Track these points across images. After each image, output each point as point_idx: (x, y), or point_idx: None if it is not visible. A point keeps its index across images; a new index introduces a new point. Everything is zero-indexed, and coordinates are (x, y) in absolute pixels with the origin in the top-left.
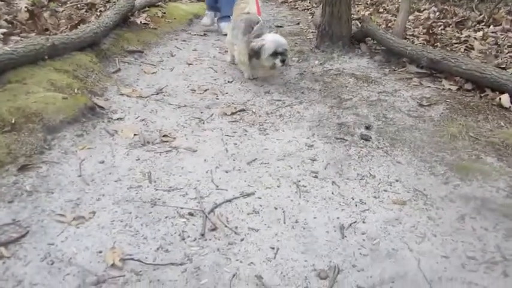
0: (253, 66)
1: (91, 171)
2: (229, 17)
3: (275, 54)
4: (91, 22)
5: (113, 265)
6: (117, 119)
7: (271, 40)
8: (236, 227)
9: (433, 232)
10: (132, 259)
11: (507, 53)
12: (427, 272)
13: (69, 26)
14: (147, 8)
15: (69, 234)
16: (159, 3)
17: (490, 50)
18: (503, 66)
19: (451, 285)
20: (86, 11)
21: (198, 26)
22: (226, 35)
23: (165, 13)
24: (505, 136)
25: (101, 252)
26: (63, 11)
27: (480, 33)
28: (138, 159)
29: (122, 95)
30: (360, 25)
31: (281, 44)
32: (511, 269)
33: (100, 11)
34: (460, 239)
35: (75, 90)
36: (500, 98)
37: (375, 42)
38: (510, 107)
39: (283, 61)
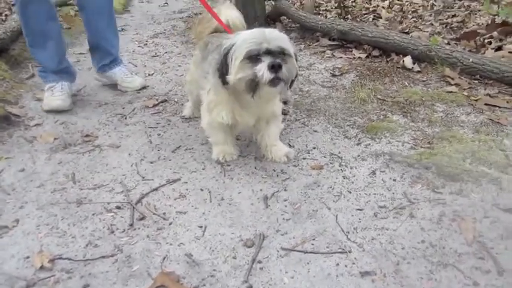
0: (236, 128)
1: (11, 181)
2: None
3: (254, 57)
4: None
5: (41, 267)
6: (35, 125)
7: (247, 33)
8: (164, 213)
9: (348, 189)
10: (61, 258)
11: (411, 18)
12: (344, 225)
13: None
14: (58, 8)
15: None
16: (71, 1)
17: (395, 17)
18: (407, 30)
19: (365, 233)
20: None
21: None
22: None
23: (78, 11)
24: (409, 94)
25: (28, 257)
26: None
27: (387, 2)
28: (61, 162)
29: (39, 100)
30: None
31: (268, 38)
32: (416, 211)
33: (5, 15)
34: (372, 192)
35: None
36: (403, 61)
37: (290, 20)
38: (412, 67)
39: (273, 68)
